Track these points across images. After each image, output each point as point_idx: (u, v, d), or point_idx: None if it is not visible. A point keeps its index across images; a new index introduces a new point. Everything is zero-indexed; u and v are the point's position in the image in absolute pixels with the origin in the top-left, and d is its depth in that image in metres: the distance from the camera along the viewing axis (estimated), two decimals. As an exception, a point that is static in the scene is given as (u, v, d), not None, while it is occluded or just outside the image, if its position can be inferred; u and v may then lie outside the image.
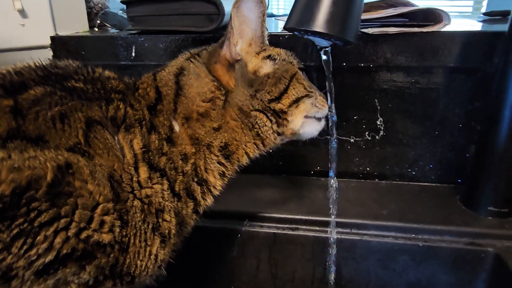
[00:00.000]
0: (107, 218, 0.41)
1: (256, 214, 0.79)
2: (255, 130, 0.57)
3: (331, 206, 0.72)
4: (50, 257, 0.37)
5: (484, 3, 2.52)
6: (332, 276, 0.76)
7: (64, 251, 0.38)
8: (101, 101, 0.47)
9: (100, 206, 0.41)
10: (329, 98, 0.64)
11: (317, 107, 0.60)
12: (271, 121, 0.57)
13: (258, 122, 0.56)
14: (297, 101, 0.58)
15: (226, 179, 0.59)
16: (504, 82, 0.69)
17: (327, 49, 0.61)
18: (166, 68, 0.58)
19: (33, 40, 0.91)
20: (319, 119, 0.62)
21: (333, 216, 0.74)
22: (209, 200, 0.58)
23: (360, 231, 0.75)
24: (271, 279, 0.81)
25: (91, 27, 1.06)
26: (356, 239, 0.75)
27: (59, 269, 0.38)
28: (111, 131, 0.45)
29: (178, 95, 0.55)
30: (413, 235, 0.73)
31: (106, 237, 0.41)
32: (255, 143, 0.58)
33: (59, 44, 0.91)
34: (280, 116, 0.57)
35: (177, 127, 0.54)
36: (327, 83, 0.65)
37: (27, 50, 0.92)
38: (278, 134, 0.59)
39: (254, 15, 0.54)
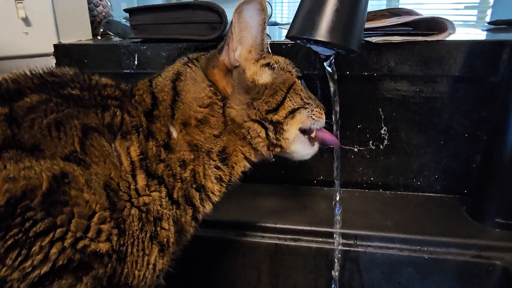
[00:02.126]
0: (104, 227, 0.41)
1: (258, 224, 0.77)
2: (247, 140, 0.56)
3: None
4: (45, 269, 0.36)
5: (489, 12, 2.52)
6: (335, 289, 0.74)
7: (60, 262, 0.37)
8: (97, 108, 0.46)
9: (97, 215, 0.40)
10: (336, 108, 0.64)
11: (313, 118, 0.59)
12: (266, 129, 0.56)
13: (251, 133, 0.56)
14: (293, 112, 0.57)
15: (224, 185, 0.58)
16: (510, 91, 0.68)
17: (330, 58, 0.60)
18: (163, 74, 0.57)
19: (36, 48, 0.92)
20: (312, 141, 0.61)
21: (336, 227, 0.72)
22: (208, 207, 0.57)
23: (364, 243, 0.74)
24: (272, 291, 0.79)
25: (95, 35, 1.06)
26: (360, 250, 0.73)
27: (55, 281, 0.37)
28: (107, 138, 0.45)
29: (175, 100, 0.54)
30: (419, 247, 0.72)
31: (103, 247, 0.40)
32: (249, 149, 0.58)
33: (62, 52, 0.91)
34: (277, 126, 0.57)
35: (174, 133, 0.53)
36: (331, 93, 0.64)
37: (30, 58, 0.92)
38: (270, 145, 0.58)
39: (255, 22, 0.54)
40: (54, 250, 0.37)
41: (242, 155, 0.57)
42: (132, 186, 0.45)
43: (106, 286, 0.42)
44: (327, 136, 0.62)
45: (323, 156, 0.87)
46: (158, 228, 0.48)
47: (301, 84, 0.60)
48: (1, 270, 0.35)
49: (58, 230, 0.37)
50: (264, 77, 0.56)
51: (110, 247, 0.41)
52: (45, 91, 0.44)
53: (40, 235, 0.36)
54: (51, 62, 0.92)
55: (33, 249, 0.36)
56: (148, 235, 0.46)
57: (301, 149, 0.60)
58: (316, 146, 0.62)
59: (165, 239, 0.49)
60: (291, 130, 0.57)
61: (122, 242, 0.43)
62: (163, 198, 0.49)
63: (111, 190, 0.43)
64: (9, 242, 0.35)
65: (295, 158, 0.61)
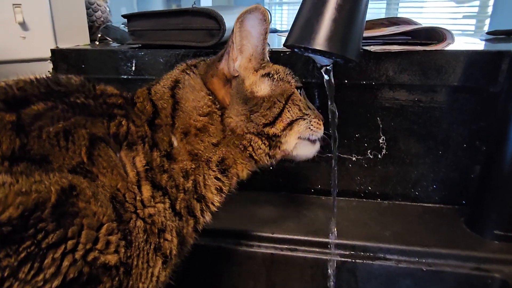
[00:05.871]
0: (112, 238, 0.41)
1: (254, 233, 0.76)
2: (248, 152, 0.56)
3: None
4: (56, 283, 0.36)
5: (487, 22, 2.54)
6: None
7: (71, 275, 0.37)
8: (103, 117, 0.46)
9: (105, 226, 0.40)
10: (333, 117, 0.63)
11: (311, 129, 0.58)
12: (264, 144, 0.56)
13: (253, 144, 0.55)
14: (291, 123, 0.56)
15: (223, 195, 0.57)
16: (510, 102, 0.67)
17: (328, 67, 0.60)
18: (161, 81, 0.57)
19: (33, 52, 0.91)
20: (313, 141, 0.61)
21: (333, 237, 0.71)
22: (208, 217, 0.56)
23: (361, 253, 0.73)
24: (268, 301, 0.78)
25: (93, 40, 1.06)
26: (358, 261, 0.72)
27: None
28: (113, 149, 0.45)
29: (175, 109, 0.53)
30: (417, 259, 0.71)
31: (112, 259, 0.40)
32: (249, 161, 0.57)
33: (59, 56, 0.90)
34: (273, 140, 0.56)
35: (175, 143, 0.52)
36: (329, 103, 0.63)
37: (28, 62, 0.91)
38: (270, 156, 0.57)
39: (257, 31, 0.53)
40: (65, 262, 0.37)
41: (242, 167, 0.57)
42: (138, 198, 0.45)
43: None
44: None
45: (321, 165, 0.86)
46: (162, 240, 0.48)
47: (301, 94, 0.60)
48: (14, 284, 0.34)
49: (69, 242, 0.37)
50: (263, 88, 0.55)
51: (118, 259, 0.41)
52: (51, 99, 0.44)
53: (52, 246, 0.36)
54: (48, 66, 0.91)
55: (46, 261, 0.36)
56: (152, 247, 0.46)
57: (304, 151, 0.60)
58: (317, 144, 0.62)
59: (168, 251, 0.49)
60: (290, 141, 0.57)
61: (129, 254, 0.43)
62: (167, 210, 0.48)
63: (118, 202, 0.43)
64: (22, 255, 0.35)
65: (299, 159, 0.61)
